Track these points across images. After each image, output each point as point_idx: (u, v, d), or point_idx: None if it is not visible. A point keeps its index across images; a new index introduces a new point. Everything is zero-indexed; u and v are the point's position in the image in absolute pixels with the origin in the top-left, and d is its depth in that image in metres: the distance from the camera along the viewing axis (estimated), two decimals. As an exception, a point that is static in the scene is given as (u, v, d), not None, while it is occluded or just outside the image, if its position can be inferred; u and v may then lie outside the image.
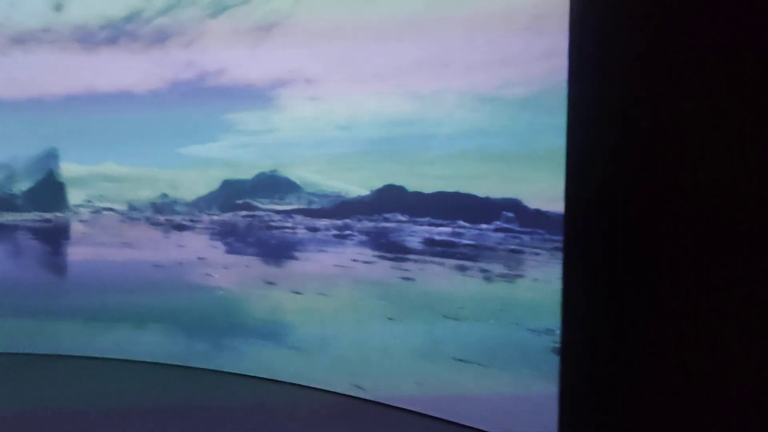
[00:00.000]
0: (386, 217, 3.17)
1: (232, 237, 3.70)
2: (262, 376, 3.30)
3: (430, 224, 3.08)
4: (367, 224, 3.28)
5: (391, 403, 2.89)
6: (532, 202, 2.62)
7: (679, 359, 1.53)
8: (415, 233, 3.11)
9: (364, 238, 3.29)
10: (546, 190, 2.45)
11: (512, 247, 2.78)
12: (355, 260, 3.30)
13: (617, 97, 1.64)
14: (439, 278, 3.04)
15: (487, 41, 2.50)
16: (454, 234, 2.97)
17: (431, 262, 3.07)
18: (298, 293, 3.43)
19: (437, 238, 3.03)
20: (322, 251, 3.41)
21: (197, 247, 3.70)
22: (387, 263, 3.20)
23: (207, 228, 3.73)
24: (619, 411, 1.65)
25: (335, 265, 3.34)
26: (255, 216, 3.64)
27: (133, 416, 2.76)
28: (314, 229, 3.47)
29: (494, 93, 2.57)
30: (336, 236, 3.38)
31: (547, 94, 2.32)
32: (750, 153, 1.38)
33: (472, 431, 2.64)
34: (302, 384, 3.16)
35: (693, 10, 1.48)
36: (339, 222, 3.38)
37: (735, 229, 1.41)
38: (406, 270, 3.13)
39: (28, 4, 3.64)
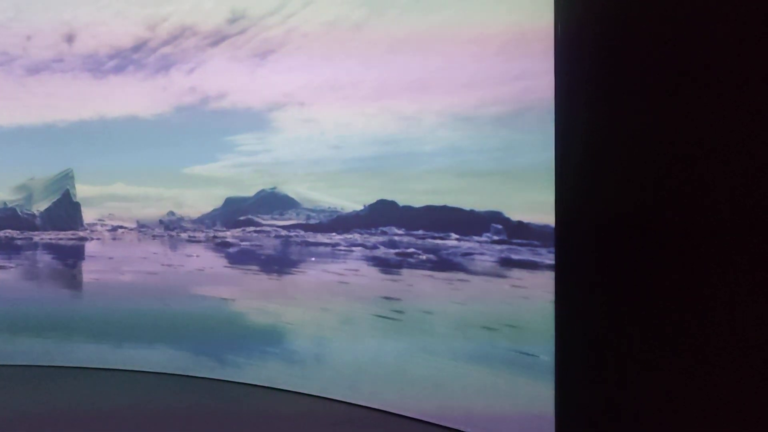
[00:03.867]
0: (383, 231, 3.30)
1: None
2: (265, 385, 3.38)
3: (479, 242, 2.85)
4: (412, 239, 3.06)
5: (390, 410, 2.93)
6: (514, 214, 2.75)
7: (669, 364, 1.58)
8: (474, 251, 2.86)
9: (432, 257, 3.02)
10: (524, 202, 2.59)
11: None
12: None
13: (606, 110, 1.73)
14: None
15: (463, 65, 2.67)
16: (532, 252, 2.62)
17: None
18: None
19: (515, 257, 2.69)
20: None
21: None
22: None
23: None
24: (613, 414, 1.71)
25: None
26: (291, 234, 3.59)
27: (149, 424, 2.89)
28: (372, 247, 3.27)
29: (471, 112, 2.73)
30: (398, 254, 3.14)
31: (520, 112, 2.48)
32: (740, 163, 1.45)
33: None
34: (304, 392, 3.23)
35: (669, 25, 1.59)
36: (383, 238, 3.20)
37: (723, 237, 1.46)
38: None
39: (42, 37, 3.88)
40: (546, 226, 2.55)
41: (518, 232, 2.79)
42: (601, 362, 1.73)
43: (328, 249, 3.49)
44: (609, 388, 1.71)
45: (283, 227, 3.69)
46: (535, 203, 2.42)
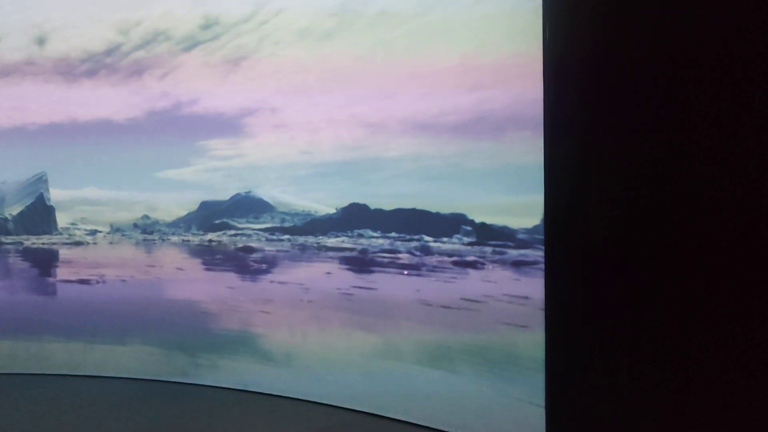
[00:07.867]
0: (360, 233, 3.37)
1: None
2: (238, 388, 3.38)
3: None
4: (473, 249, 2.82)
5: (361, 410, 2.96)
6: (476, 216, 2.86)
7: (661, 366, 1.55)
8: (527, 258, 2.65)
9: (497, 266, 2.73)
10: (484, 205, 2.70)
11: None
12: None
13: (595, 109, 1.67)
14: None
15: (426, 75, 2.77)
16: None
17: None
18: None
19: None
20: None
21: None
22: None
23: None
24: (603, 415, 1.69)
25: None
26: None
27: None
28: (408, 252, 3.02)
29: (432, 121, 2.84)
30: (457, 263, 2.90)
31: (476, 121, 2.59)
32: (735, 166, 1.43)
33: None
34: (275, 394, 3.25)
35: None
36: (414, 243, 3.00)
37: (717, 238, 1.45)
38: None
39: (12, 39, 3.85)
40: (505, 227, 2.68)
41: (483, 233, 2.90)
42: (591, 364, 1.71)
43: (355, 255, 3.32)
44: (600, 389, 1.68)
45: (261, 230, 3.73)
46: (495, 206, 2.53)
